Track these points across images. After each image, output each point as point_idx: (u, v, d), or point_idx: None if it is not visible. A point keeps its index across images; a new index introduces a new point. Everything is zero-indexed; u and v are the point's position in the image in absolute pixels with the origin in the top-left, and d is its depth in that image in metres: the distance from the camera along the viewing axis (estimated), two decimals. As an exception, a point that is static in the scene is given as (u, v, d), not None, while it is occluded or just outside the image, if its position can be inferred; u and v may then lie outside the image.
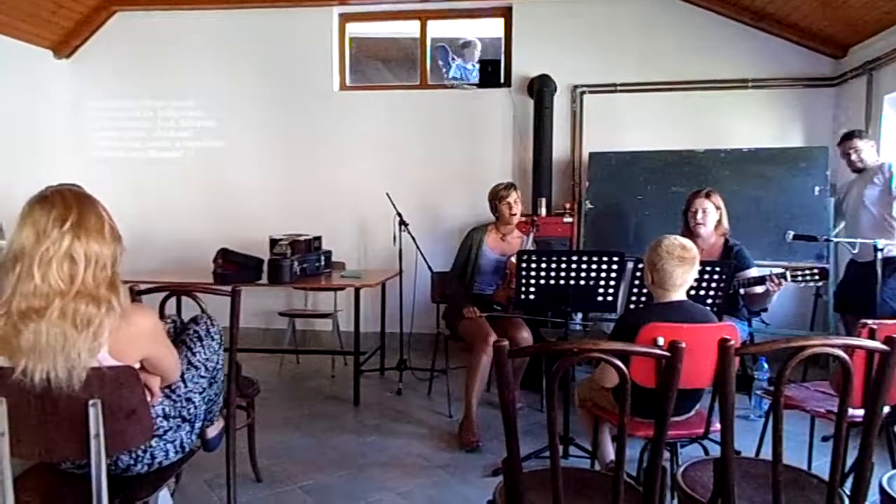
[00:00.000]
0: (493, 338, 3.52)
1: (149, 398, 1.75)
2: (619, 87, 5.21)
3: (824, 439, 3.02)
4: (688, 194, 3.78)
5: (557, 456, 1.48)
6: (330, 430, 3.63)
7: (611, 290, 3.08)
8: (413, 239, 4.48)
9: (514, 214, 3.88)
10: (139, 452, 1.77)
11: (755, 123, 5.07)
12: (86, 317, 1.52)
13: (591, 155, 5.12)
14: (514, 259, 3.81)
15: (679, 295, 2.34)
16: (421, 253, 4.42)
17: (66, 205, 1.57)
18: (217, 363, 2.04)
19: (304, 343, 5.53)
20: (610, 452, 2.73)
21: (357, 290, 4.13)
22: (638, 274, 2.98)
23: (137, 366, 1.69)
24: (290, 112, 5.62)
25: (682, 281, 2.32)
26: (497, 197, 3.88)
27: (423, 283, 4.66)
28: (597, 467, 2.70)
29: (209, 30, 5.65)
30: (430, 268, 4.40)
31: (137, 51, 5.75)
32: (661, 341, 2.05)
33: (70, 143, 5.80)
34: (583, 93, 5.28)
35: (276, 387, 4.44)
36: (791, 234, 3.72)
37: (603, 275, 3.05)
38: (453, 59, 5.96)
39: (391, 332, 4.82)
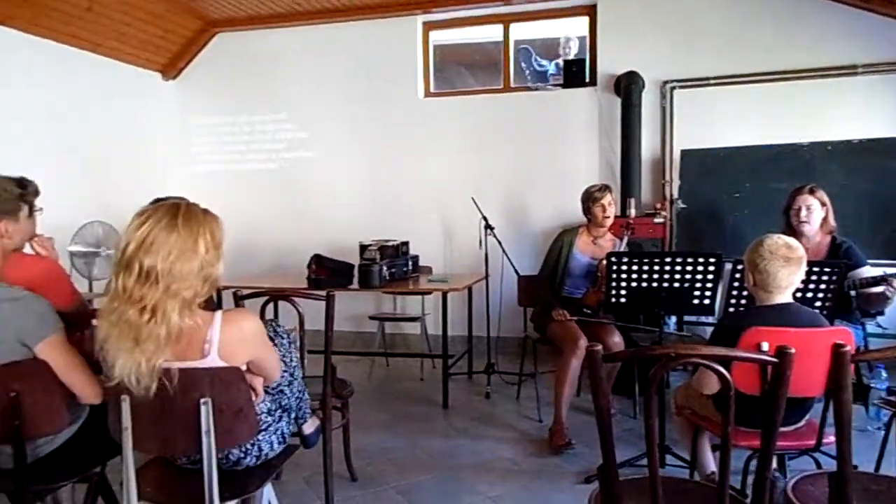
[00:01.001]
0: (583, 341, 3.46)
1: (253, 398, 1.85)
2: (711, 81, 4.98)
3: None
4: (790, 191, 3.56)
5: (656, 463, 1.43)
6: (420, 432, 3.68)
7: (707, 293, 2.95)
8: (499, 242, 4.49)
9: (608, 217, 3.80)
10: (248, 446, 1.88)
11: (866, 112, 4.69)
12: (183, 322, 1.62)
13: (683, 152, 4.93)
14: (605, 262, 3.75)
15: (784, 297, 2.21)
16: (507, 256, 4.42)
17: (170, 216, 1.67)
18: (291, 361, 2.12)
19: (393, 346, 5.64)
20: (710, 463, 2.61)
21: (444, 294, 4.18)
22: (737, 276, 2.84)
23: (244, 367, 1.78)
24: (376, 120, 5.76)
25: (787, 283, 2.18)
26: (591, 199, 3.81)
27: (509, 287, 4.65)
28: (696, 478, 2.59)
29: (300, 46, 5.89)
30: (516, 271, 4.38)
31: (235, 69, 6.09)
32: (765, 346, 1.94)
33: (177, 157, 6.23)
34: (673, 88, 5.09)
35: (366, 389, 4.55)
36: None
37: (699, 277, 2.93)
38: (536, 60, 5.92)
39: (478, 336, 4.83)
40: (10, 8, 4.52)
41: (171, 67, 6.11)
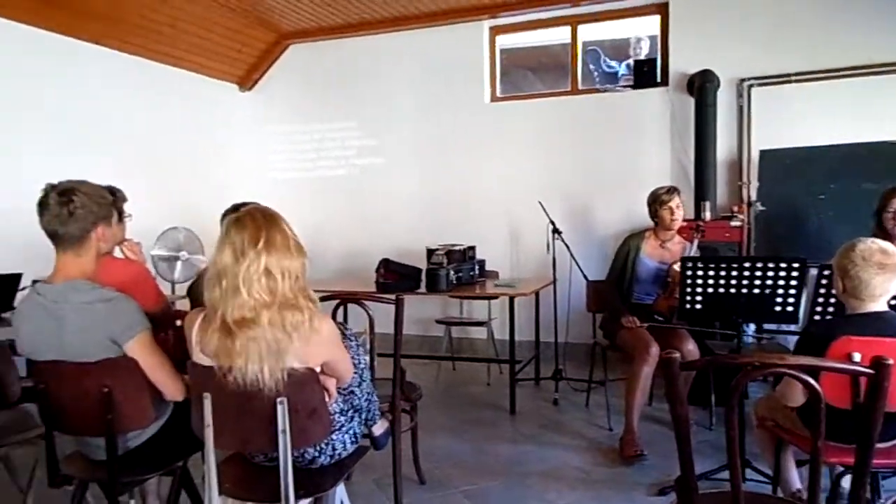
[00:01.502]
0: (654, 348, 3.36)
1: (327, 398, 1.89)
2: (792, 78, 4.75)
3: None
4: (880, 192, 3.34)
5: (739, 477, 1.37)
6: (488, 438, 3.67)
7: (791, 300, 2.80)
8: (567, 247, 4.42)
9: (676, 220, 3.67)
10: (322, 445, 1.92)
11: (966, 106, 4.36)
12: (293, 323, 1.70)
13: (762, 153, 4.71)
14: (675, 267, 3.62)
15: (878, 306, 2.07)
16: (575, 261, 4.35)
17: (257, 226, 1.75)
18: (360, 362, 2.15)
19: (460, 350, 5.65)
20: (795, 479, 2.47)
21: (511, 299, 4.15)
22: (823, 282, 2.69)
23: (319, 369, 1.83)
24: (443, 126, 5.81)
25: (881, 291, 2.04)
26: (658, 201, 3.69)
27: (577, 292, 4.57)
28: (779, 494, 2.46)
29: (369, 54, 6.02)
30: (584, 276, 4.31)
31: (307, 79, 6.28)
32: (856, 357, 1.83)
33: (253, 165, 6.47)
34: (750, 86, 4.88)
35: (433, 393, 4.57)
36: None
37: (781, 283, 2.79)
38: (605, 61, 5.81)
39: (546, 342, 4.77)
40: (102, 27, 4.83)
41: (247, 79, 6.37)
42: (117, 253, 2.62)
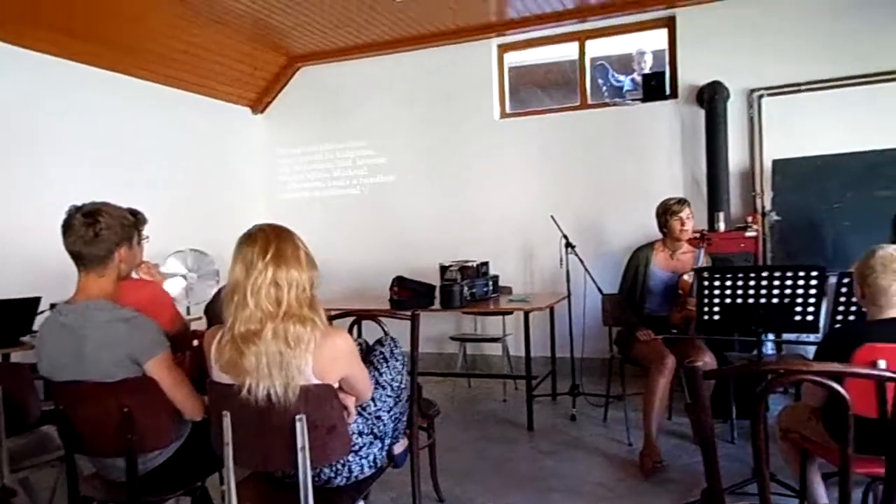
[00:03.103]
0: (670, 359, 3.33)
1: (346, 417, 1.88)
2: (802, 87, 4.74)
3: None
4: (899, 198, 3.32)
5: (767, 487, 1.34)
6: (506, 455, 3.63)
7: (811, 309, 2.77)
8: (581, 261, 4.41)
9: (686, 230, 3.66)
10: (339, 466, 1.91)
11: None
12: (296, 335, 1.70)
13: (775, 163, 4.69)
14: (686, 277, 3.60)
15: (901, 312, 2.04)
16: (589, 274, 4.33)
17: (267, 239, 1.78)
18: (401, 383, 2.15)
19: (475, 367, 5.62)
20: (822, 493, 2.42)
21: (526, 314, 4.13)
22: (843, 290, 2.66)
23: (336, 385, 1.82)
24: (454, 144, 5.84)
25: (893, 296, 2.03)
26: (668, 212, 3.68)
27: (592, 306, 4.55)
28: (806, 507, 2.41)
29: (379, 74, 6.08)
30: (599, 290, 4.28)
31: (318, 100, 6.35)
32: (882, 364, 1.80)
33: (265, 186, 6.54)
34: (760, 96, 4.88)
35: (449, 410, 4.54)
36: None
37: (800, 292, 2.76)
38: (613, 76, 5.84)
39: (561, 357, 4.74)
40: (117, 55, 4.93)
41: (259, 102, 6.45)
42: (134, 275, 2.64)
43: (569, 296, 4.60)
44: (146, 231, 2.75)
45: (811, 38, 4.73)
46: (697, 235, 3.79)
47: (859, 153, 4.40)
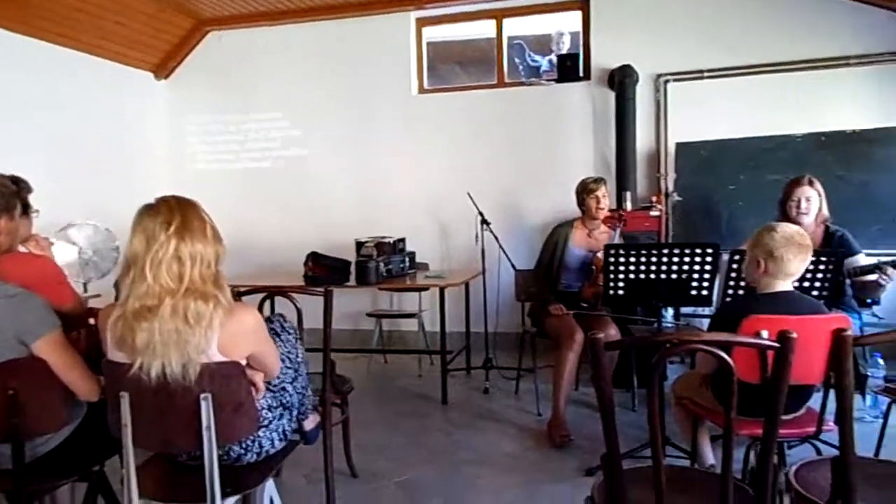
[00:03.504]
0: (579, 334, 3.47)
1: (254, 393, 1.84)
2: (705, 74, 4.99)
3: None
4: (785, 182, 3.57)
5: (660, 450, 1.43)
6: (420, 429, 3.68)
7: (705, 284, 2.96)
8: (495, 237, 4.48)
9: (602, 209, 3.80)
10: (248, 442, 1.87)
11: (858, 103, 4.71)
12: (196, 312, 1.63)
13: (678, 145, 4.94)
14: (600, 255, 3.75)
15: (787, 286, 2.21)
16: (504, 251, 4.41)
17: (171, 210, 1.69)
18: (297, 356, 2.12)
19: (391, 343, 5.63)
20: (709, 455, 2.61)
21: (442, 290, 4.17)
22: (735, 266, 2.85)
23: (244, 362, 1.77)
24: (370, 118, 5.75)
25: (796, 270, 2.20)
26: (586, 190, 3.81)
27: (506, 282, 4.65)
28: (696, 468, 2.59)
29: (293, 44, 5.88)
30: (513, 266, 4.38)
31: (228, 68, 6.06)
32: (765, 334, 1.94)
33: (170, 157, 6.20)
34: (667, 81, 5.09)
35: (365, 386, 4.54)
36: None
37: (697, 268, 2.94)
38: (530, 56, 5.91)
39: (476, 332, 4.83)
40: (3, 10, 4.48)
41: (164, 67, 6.08)
42: (22, 249, 2.45)
43: (484, 272, 4.68)
44: (37, 203, 2.54)
45: (714, 28, 4.97)
46: (616, 216, 3.95)
47: (753, 139, 4.70)
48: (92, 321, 2.24)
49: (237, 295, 2.70)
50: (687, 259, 2.94)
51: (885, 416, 2.68)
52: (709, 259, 2.92)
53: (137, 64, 5.84)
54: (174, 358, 1.62)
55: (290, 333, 2.13)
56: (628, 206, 4.89)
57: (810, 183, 3.40)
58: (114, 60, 5.56)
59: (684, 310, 4.51)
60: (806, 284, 2.76)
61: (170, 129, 6.22)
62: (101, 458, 2.08)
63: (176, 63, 6.12)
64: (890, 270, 3.05)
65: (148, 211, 1.70)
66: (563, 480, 2.93)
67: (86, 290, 4.41)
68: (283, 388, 2.03)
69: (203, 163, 6.19)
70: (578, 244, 3.86)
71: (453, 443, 3.46)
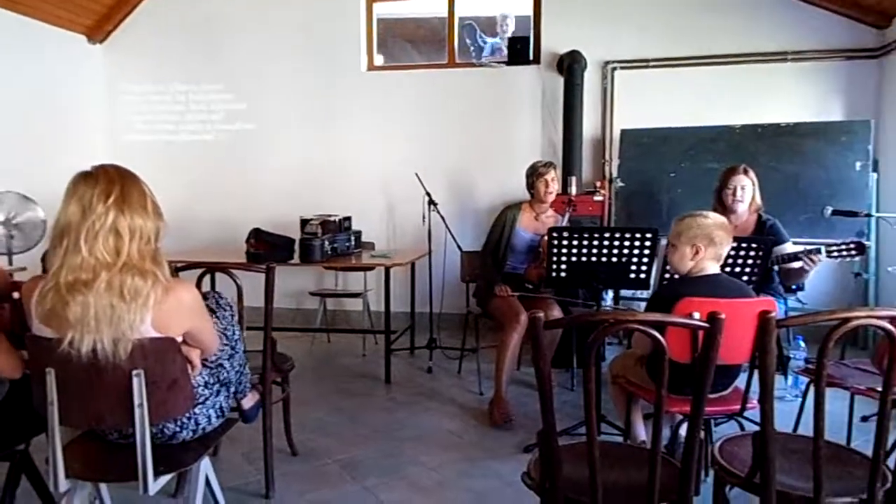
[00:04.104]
0: (523, 316, 3.52)
1: (190, 370, 1.79)
2: (651, 63, 5.10)
3: (864, 419, 2.96)
4: (721, 171, 3.69)
5: (594, 426, 1.47)
6: (362, 407, 3.68)
7: (644, 268, 3.05)
8: (442, 218, 4.49)
9: (550, 193, 3.84)
10: (184, 419, 1.83)
11: (794, 97, 4.91)
12: (133, 288, 1.57)
13: (623, 132, 5.04)
14: (546, 238, 3.80)
15: (715, 269, 2.31)
16: (450, 232, 4.43)
17: (110, 180, 1.62)
18: (234, 333, 2.08)
19: (335, 322, 5.59)
20: (641, 431, 2.71)
21: (387, 270, 4.15)
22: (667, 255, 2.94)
23: (180, 339, 1.73)
24: (318, 93, 5.63)
25: (725, 252, 2.33)
26: (536, 173, 3.85)
27: (452, 263, 4.67)
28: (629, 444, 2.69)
29: (239, 13, 5.67)
30: (459, 247, 4.40)
31: (168, 35, 5.81)
32: (696, 315, 2.02)
33: (104, 126, 5.92)
34: (614, 69, 5.18)
35: (308, 365, 4.50)
36: (830, 209, 3.63)
37: (636, 252, 3.02)
38: (481, 37, 5.89)
39: (421, 312, 4.84)
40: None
41: (98, 30, 5.78)
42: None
43: (430, 252, 4.68)
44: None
45: (661, 18, 5.07)
46: (565, 199, 4.00)
47: (693, 128, 4.84)
48: (16, 295, 2.13)
49: (175, 270, 2.63)
50: (627, 243, 3.02)
51: (804, 394, 2.84)
52: (647, 244, 3.01)
53: (69, 26, 5.53)
54: (106, 334, 1.56)
55: (225, 310, 2.09)
56: (573, 190, 4.97)
57: (745, 172, 3.53)
58: (42, 21, 5.24)
59: (624, 292, 4.65)
60: (737, 270, 2.88)
61: (105, 97, 5.93)
62: (25, 437, 1.99)
63: (112, 27, 5.82)
64: (814, 256, 3.22)
65: (85, 178, 1.62)
66: (503, 458, 2.99)
67: (10, 263, 4.20)
68: (220, 365, 1.99)
69: (141, 133, 5.94)
70: (526, 227, 3.91)
71: (395, 421, 3.48)
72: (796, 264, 3.31)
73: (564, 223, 3.89)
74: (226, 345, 2.03)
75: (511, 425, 3.33)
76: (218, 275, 2.82)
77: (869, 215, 3.96)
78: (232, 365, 2.04)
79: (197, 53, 5.78)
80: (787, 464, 1.74)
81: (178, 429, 1.83)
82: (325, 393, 3.92)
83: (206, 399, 1.89)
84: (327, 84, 5.61)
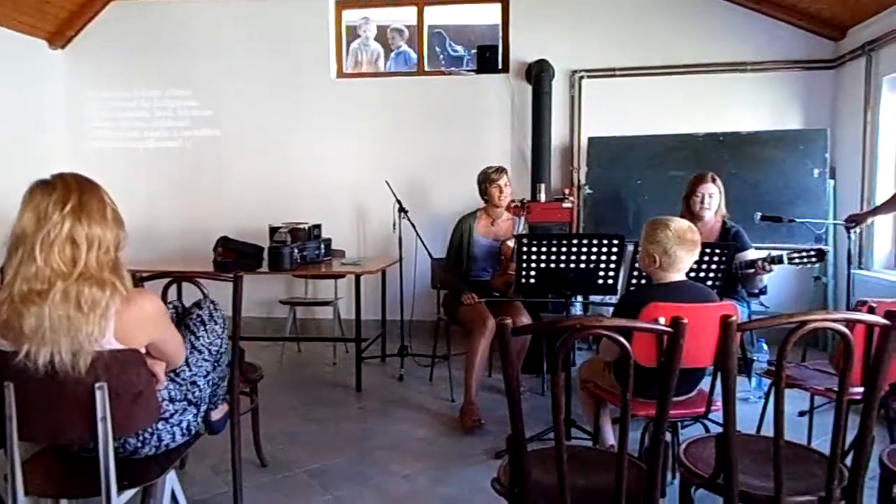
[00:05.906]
0: (491, 321, 3.54)
1: (153, 383, 1.76)
2: (617, 72, 5.19)
3: (801, 414, 3.08)
4: (689, 178, 3.76)
5: (562, 430, 1.49)
6: (333, 416, 3.65)
7: (611, 274, 3.09)
8: (413, 225, 4.49)
9: (504, 197, 3.88)
10: (146, 435, 1.79)
11: (754, 107, 5.06)
12: (90, 299, 1.54)
13: (590, 140, 5.12)
14: (509, 244, 3.84)
15: (680, 276, 2.35)
16: (421, 239, 4.43)
17: (67, 188, 1.59)
18: (220, 347, 2.05)
19: (305, 331, 5.54)
20: (610, 436, 2.75)
21: (357, 278, 4.14)
22: (638, 257, 2.99)
23: (143, 350, 1.70)
24: (287, 100, 5.60)
25: (686, 264, 2.34)
26: (487, 179, 3.88)
27: (423, 270, 4.68)
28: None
29: (205, 19, 5.62)
30: (430, 254, 4.41)
31: (133, 41, 5.72)
32: (661, 321, 2.06)
33: (66, 133, 5.79)
34: (581, 77, 5.26)
35: (278, 375, 4.45)
36: (759, 215, 3.90)
37: (603, 258, 3.07)
38: (451, 45, 5.93)
39: (392, 320, 4.83)
40: None
41: (60, 36, 5.66)
42: None
43: (400, 260, 4.68)
44: None
45: (627, 29, 5.17)
46: (518, 204, 4.04)
47: (659, 136, 4.94)
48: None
49: (139, 280, 2.59)
50: (595, 249, 3.06)
51: (767, 396, 2.91)
52: (615, 250, 3.06)
53: (29, 31, 5.40)
54: (64, 346, 1.52)
55: (216, 323, 2.05)
56: (542, 197, 5.03)
57: (713, 180, 3.62)
58: (2, 25, 5.11)
59: (593, 298, 4.70)
60: (702, 275, 2.94)
61: (67, 103, 5.81)
62: (-19, 454, 1.93)
63: (74, 32, 5.71)
64: (766, 265, 3.33)
65: (41, 187, 1.59)
66: (474, 464, 2.99)
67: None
68: (194, 383, 1.94)
69: (105, 140, 5.82)
70: (483, 233, 3.94)
71: (366, 430, 3.46)
72: (751, 271, 3.42)
73: (521, 227, 3.94)
74: (207, 360, 1.99)
75: (482, 431, 3.34)
76: (185, 284, 2.78)
77: (792, 221, 4.07)
78: (208, 381, 2.00)
79: (162, 59, 5.70)
80: (749, 464, 1.78)
81: (139, 444, 1.79)
82: (296, 403, 3.88)
83: (171, 416, 1.85)
84: (296, 91, 5.57)
